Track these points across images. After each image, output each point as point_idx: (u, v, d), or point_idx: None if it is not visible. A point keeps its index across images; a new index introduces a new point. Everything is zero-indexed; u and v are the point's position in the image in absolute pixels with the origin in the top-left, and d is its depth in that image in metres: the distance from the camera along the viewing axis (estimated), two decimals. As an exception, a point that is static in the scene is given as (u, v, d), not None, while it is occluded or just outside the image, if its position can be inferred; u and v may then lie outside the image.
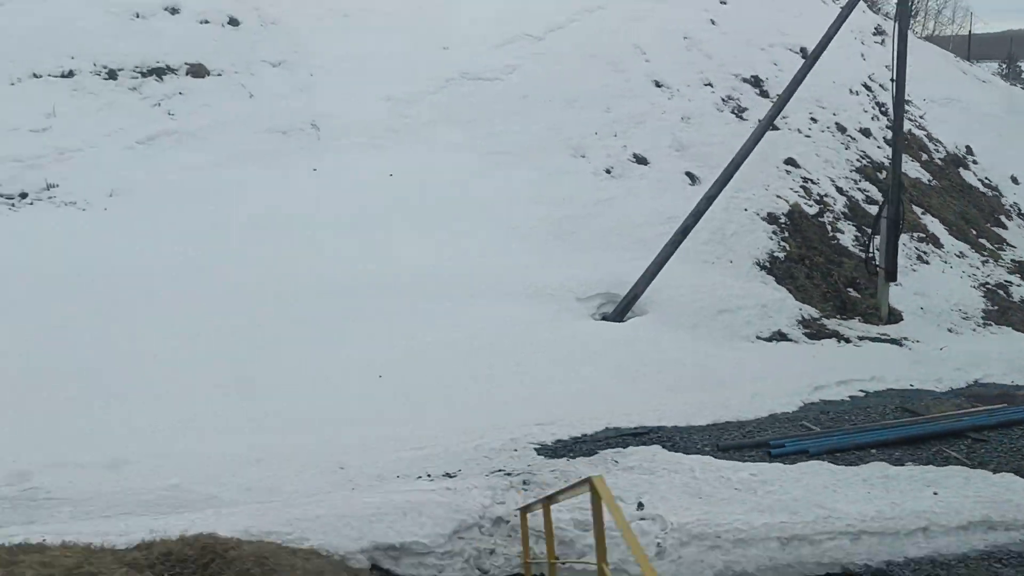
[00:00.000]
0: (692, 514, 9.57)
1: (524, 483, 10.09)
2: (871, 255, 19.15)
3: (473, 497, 9.67)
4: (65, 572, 7.23)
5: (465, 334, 15.04)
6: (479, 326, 15.39)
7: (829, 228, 21.69)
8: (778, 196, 22.07)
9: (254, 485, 10.86)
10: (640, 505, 9.73)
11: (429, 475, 11.09)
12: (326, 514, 9.26)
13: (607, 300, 17.58)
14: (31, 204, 16.21)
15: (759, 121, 25.24)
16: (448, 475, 11.03)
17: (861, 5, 38.53)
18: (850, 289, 19.94)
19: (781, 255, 20.20)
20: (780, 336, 17.25)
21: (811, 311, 18.53)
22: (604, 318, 17.26)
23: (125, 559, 7.65)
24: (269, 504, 10.09)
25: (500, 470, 10.81)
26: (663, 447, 11.92)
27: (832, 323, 18.37)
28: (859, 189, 23.91)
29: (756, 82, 26.75)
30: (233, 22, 21.83)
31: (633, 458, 11.37)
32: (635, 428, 12.83)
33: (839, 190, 23.40)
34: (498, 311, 16.01)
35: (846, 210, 22.72)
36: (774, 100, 26.57)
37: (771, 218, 21.31)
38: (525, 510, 8.50)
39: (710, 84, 25.76)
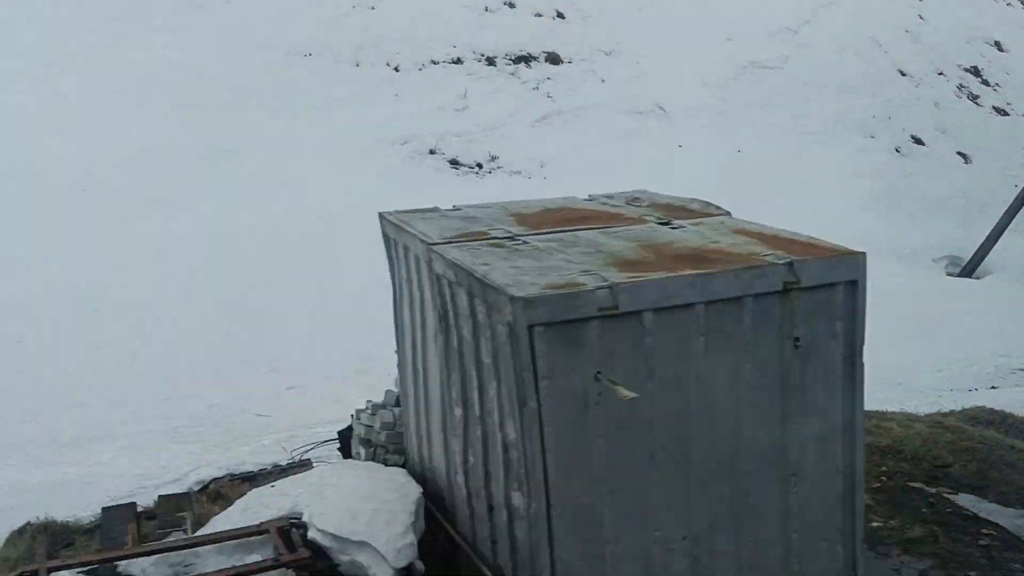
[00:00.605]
0: None
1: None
2: None
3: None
4: (932, 426, 10.05)
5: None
6: (879, 282, 18.19)
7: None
8: (1038, 174, 24.96)
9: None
10: None
11: (996, 387, 13.98)
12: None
13: (951, 261, 20.47)
14: (489, 173, 18.93)
15: (992, 107, 28.13)
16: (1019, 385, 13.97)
17: None
18: None
19: (1064, 224, 23.09)
20: (1107, 293, 20.11)
21: (1114, 273, 21.39)
22: (949, 275, 20.15)
23: (945, 424, 10.46)
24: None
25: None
26: None
27: None
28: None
29: (976, 72, 29.58)
30: (560, 15, 24.48)
31: None
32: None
33: (1083, 169, 26.30)
34: (882, 270, 18.81)
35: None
36: (995, 88, 29.47)
37: (1041, 192, 24.20)
38: None
39: (943, 73, 28.58)
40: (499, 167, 19.25)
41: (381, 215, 7.30)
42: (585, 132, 21.11)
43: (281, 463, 10.25)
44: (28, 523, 8.51)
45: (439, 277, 6.04)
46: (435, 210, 7.30)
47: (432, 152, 19.10)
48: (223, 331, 13.44)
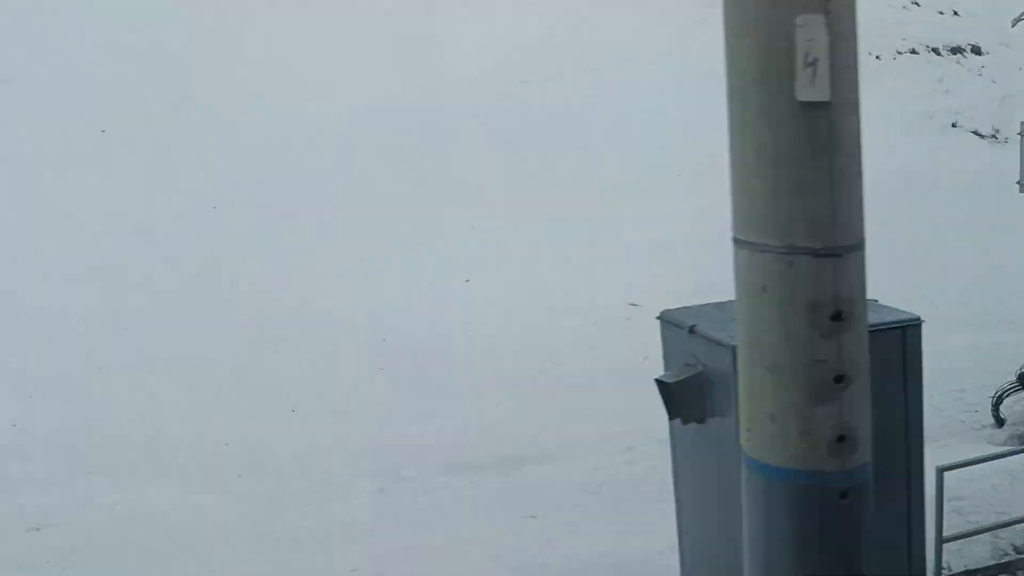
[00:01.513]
0: None
1: None
2: None
3: None
4: None
5: None
6: None
7: None
8: None
9: None
10: None
11: None
12: None
13: None
14: (1005, 141, 22.15)
15: None
16: None
17: None
18: None
19: None
20: None
21: None
22: None
23: None
24: None
25: None
26: None
27: None
28: None
29: None
30: (955, 13, 27.79)
31: None
32: None
33: None
34: None
35: None
36: None
37: None
38: None
39: None
40: (1007, 137, 22.44)
41: None
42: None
43: None
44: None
45: None
46: None
47: (954, 125, 22.32)
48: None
